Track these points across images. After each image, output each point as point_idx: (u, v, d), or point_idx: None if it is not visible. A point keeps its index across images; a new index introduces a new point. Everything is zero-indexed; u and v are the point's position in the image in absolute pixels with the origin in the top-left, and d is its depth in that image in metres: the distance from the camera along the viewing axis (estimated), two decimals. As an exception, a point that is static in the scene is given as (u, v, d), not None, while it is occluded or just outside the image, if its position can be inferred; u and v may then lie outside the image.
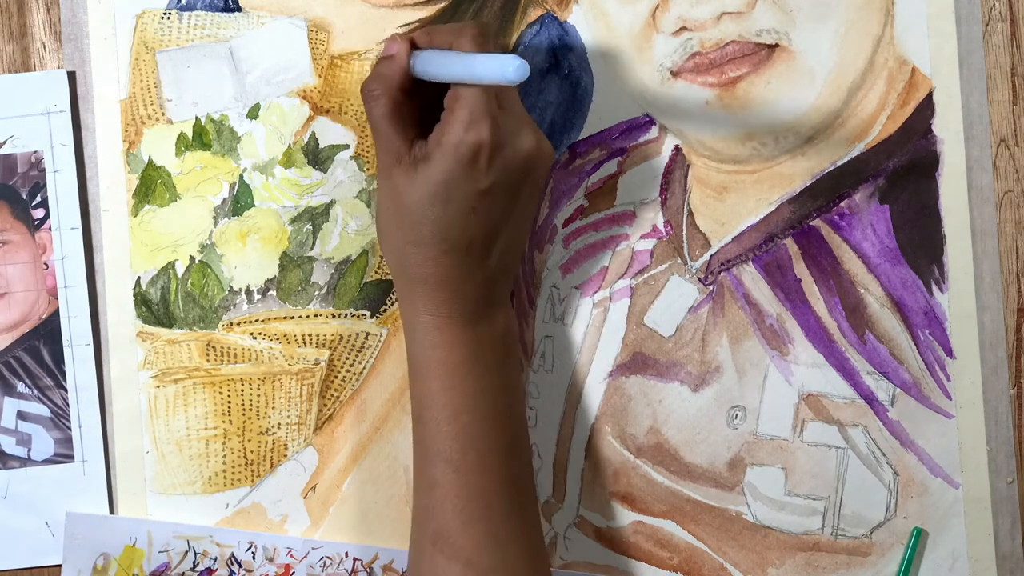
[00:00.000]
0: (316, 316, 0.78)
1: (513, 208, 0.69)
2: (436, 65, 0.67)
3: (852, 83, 0.78)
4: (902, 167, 0.78)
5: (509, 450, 0.69)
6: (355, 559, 0.78)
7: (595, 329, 0.79)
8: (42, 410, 0.78)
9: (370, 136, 0.78)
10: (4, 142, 0.78)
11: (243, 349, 0.78)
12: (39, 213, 0.78)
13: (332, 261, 0.79)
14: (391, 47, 0.70)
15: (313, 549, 0.78)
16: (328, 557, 0.78)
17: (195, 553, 0.78)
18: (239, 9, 0.79)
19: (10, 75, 0.79)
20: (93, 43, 0.79)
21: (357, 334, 0.79)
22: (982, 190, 0.78)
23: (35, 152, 0.78)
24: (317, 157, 0.79)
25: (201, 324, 0.79)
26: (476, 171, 0.66)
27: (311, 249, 0.79)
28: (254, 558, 0.78)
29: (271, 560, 0.78)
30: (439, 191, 0.66)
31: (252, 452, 0.78)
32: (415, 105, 0.70)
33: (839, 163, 0.78)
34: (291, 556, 0.78)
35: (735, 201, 0.78)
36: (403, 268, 0.69)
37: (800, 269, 0.78)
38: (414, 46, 0.70)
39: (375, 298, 0.79)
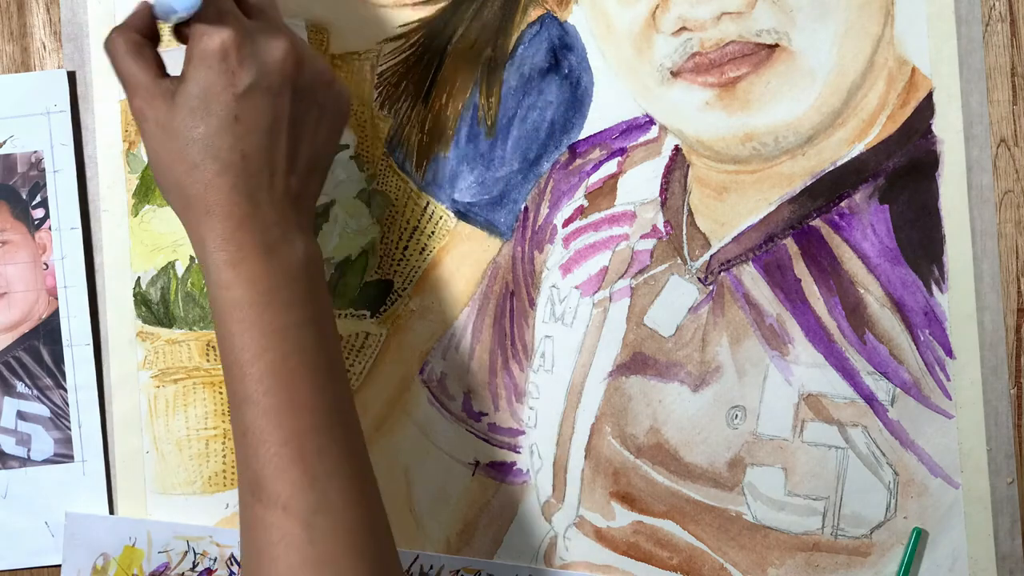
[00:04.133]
0: (316, 316, 0.78)
1: (281, 117, 0.66)
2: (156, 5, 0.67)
3: (852, 83, 0.78)
4: (902, 167, 0.78)
5: (322, 385, 0.65)
6: (355, 559, 0.78)
7: (595, 329, 0.79)
8: (42, 410, 0.78)
9: (371, 136, 0.78)
10: (4, 142, 0.78)
11: (243, 349, 0.78)
12: (39, 213, 0.78)
13: (332, 261, 0.79)
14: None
15: (313, 549, 0.78)
16: (328, 557, 0.78)
17: (195, 553, 0.78)
18: (239, 9, 0.79)
19: (10, 75, 0.79)
20: (93, 43, 0.79)
21: (357, 334, 0.79)
22: (982, 190, 0.78)
23: (35, 152, 0.78)
24: (317, 157, 0.79)
25: (201, 324, 0.79)
26: (228, 73, 0.64)
27: (311, 249, 0.79)
28: (254, 558, 0.78)
29: (271, 560, 0.78)
30: (198, 105, 0.65)
31: (252, 452, 0.78)
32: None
33: (839, 163, 0.78)
34: (291, 556, 0.78)
35: (735, 201, 0.78)
36: (187, 205, 0.66)
37: (800, 269, 0.78)
38: None
39: (375, 298, 0.79)
